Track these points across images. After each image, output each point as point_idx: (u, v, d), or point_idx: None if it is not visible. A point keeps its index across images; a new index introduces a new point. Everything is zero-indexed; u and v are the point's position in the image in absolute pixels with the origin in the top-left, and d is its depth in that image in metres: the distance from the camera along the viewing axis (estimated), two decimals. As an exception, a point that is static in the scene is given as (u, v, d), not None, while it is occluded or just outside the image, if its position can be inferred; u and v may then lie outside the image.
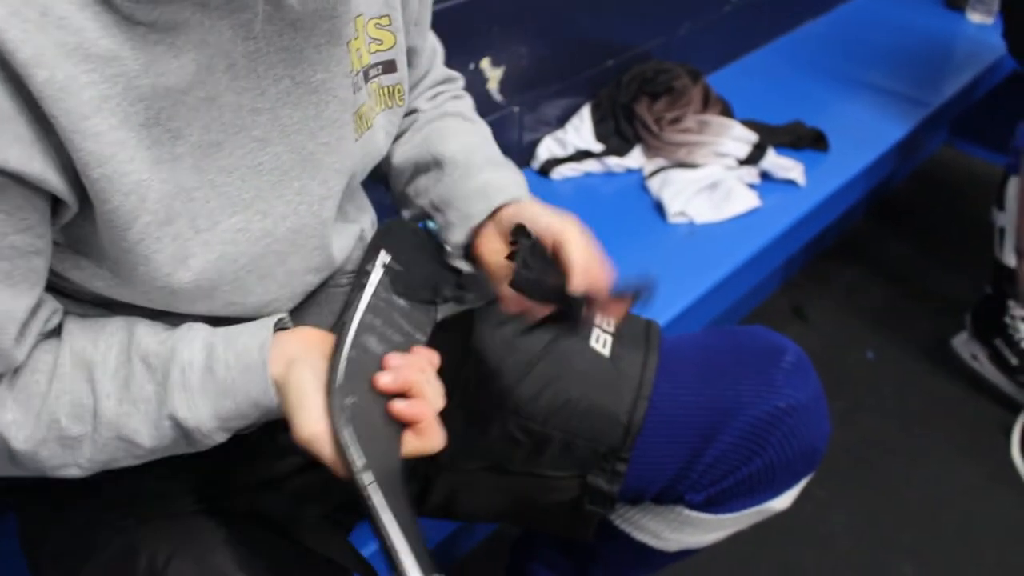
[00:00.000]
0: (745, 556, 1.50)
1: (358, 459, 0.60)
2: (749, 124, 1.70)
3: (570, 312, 0.75)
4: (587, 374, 0.90)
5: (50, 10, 0.51)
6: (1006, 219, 1.74)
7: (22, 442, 0.62)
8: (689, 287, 1.39)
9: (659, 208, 1.56)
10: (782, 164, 1.63)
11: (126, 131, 0.56)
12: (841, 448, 1.59)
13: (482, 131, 0.94)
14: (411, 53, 0.88)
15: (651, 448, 0.89)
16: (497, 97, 1.54)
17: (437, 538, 1.08)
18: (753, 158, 1.63)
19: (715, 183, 1.57)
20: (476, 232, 0.82)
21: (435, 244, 0.85)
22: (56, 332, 0.66)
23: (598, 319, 0.95)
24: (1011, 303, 1.79)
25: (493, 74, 1.50)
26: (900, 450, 1.75)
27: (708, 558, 1.09)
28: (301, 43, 0.65)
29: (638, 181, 1.64)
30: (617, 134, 1.70)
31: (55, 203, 0.59)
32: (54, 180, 0.55)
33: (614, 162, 1.66)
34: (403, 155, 0.90)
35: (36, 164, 0.54)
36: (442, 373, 0.68)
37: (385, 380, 0.64)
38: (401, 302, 0.74)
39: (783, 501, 0.94)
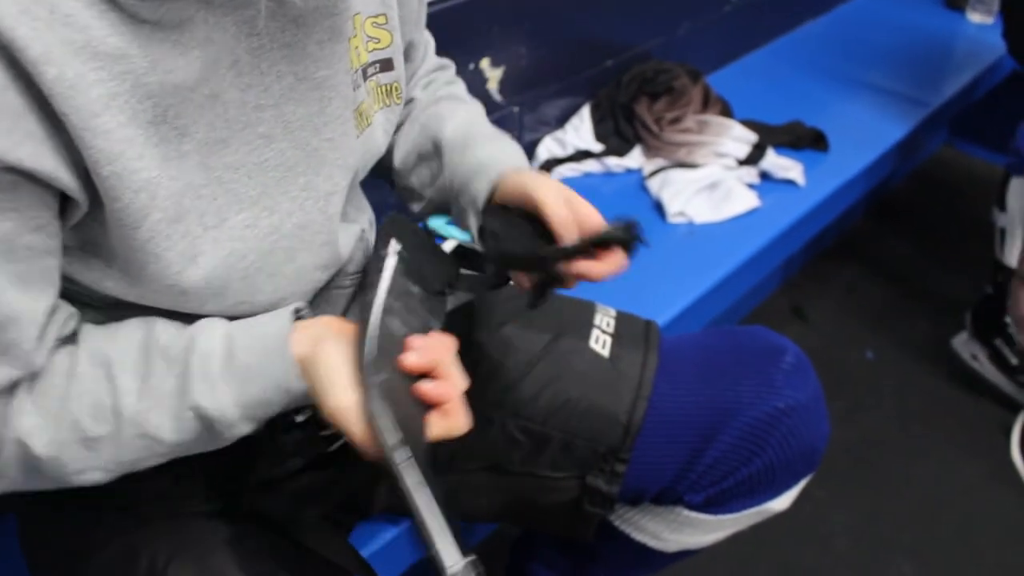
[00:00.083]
0: (745, 556, 1.50)
1: (392, 436, 0.59)
2: (749, 124, 1.70)
3: (551, 273, 0.74)
4: (586, 374, 0.90)
5: (57, 8, 0.51)
6: (1007, 220, 1.74)
7: (44, 447, 0.62)
8: (689, 287, 1.38)
9: (659, 208, 1.56)
10: (782, 164, 1.63)
11: (134, 128, 0.56)
12: (841, 448, 1.59)
13: (475, 110, 0.93)
14: (410, 47, 0.88)
15: (650, 448, 0.89)
16: (497, 97, 1.54)
17: (437, 538, 1.08)
18: (753, 158, 1.63)
19: (715, 183, 1.57)
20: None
21: (432, 243, 0.85)
22: (72, 338, 0.66)
23: (598, 318, 0.95)
24: (1011, 303, 1.79)
25: (493, 74, 1.50)
26: (900, 450, 1.75)
27: (708, 558, 1.10)
28: (303, 39, 0.65)
29: (638, 181, 1.64)
30: (617, 134, 1.70)
31: (63, 203, 0.59)
32: (65, 178, 0.55)
33: (614, 162, 1.66)
34: (404, 146, 0.90)
35: (48, 162, 0.54)
36: None
37: (412, 359, 0.64)
38: (415, 289, 0.73)
39: (783, 501, 0.94)
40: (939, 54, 2.16)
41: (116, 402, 0.62)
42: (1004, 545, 1.57)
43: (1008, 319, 1.80)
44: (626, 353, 0.91)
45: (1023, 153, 1.65)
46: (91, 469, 0.64)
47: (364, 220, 0.84)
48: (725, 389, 0.89)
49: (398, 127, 0.91)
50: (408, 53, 0.88)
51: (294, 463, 0.81)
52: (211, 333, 0.65)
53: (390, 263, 0.72)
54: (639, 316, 0.97)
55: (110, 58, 0.54)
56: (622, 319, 0.96)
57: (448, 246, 1.40)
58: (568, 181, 1.64)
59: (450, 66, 0.99)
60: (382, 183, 1.35)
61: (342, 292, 0.81)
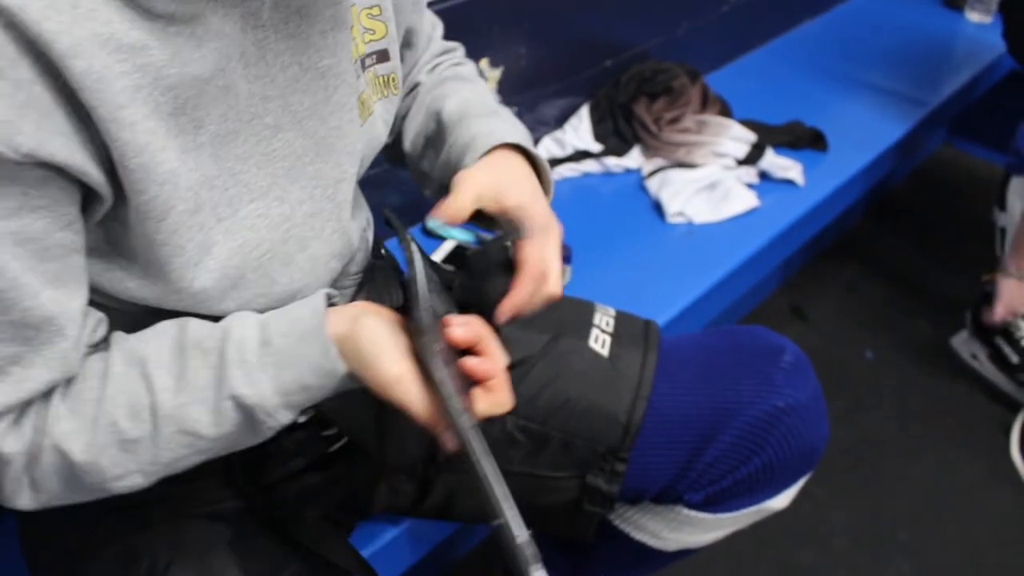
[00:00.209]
0: (744, 555, 1.50)
1: (457, 401, 0.58)
2: (748, 124, 1.70)
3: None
4: (586, 374, 0.90)
5: (80, 3, 0.51)
6: (1007, 219, 1.74)
7: (82, 452, 0.61)
8: (688, 287, 1.39)
9: (658, 208, 1.56)
10: (781, 164, 1.63)
11: (156, 120, 0.56)
12: (840, 447, 1.59)
13: (479, 87, 0.92)
14: (410, 33, 0.88)
15: (650, 448, 0.89)
16: (496, 97, 1.54)
17: (436, 539, 1.08)
18: (752, 158, 1.63)
19: (714, 183, 1.57)
20: None
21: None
22: (103, 344, 0.65)
23: (597, 318, 0.95)
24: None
25: (492, 74, 1.50)
26: (899, 449, 1.75)
27: (707, 557, 1.10)
28: (307, 29, 0.65)
29: (637, 181, 1.64)
30: (616, 134, 1.70)
31: (84, 200, 0.58)
32: (93, 172, 0.55)
33: (613, 162, 1.66)
34: (412, 130, 0.89)
35: (78, 156, 0.54)
36: None
37: (459, 332, 0.63)
38: (435, 276, 0.73)
39: (782, 500, 0.95)
40: (938, 54, 2.16)
41: (153, 400, 0.62)
42: (1004, 544, 1.57)
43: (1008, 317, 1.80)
44: (626, 353, 0.91)
45: (1023, 152, 1.65)
46: (131, 473, 0.63)
47: (362, 218, 0.84)
48: (725, 388, 0.89)
49: (406, 113, 0.90)
50: (408, 39, 0.88)
51: (295, 463, 0.81)
52: (244, 322, 0.64)
53: (415, 247, 0.71)
54: (638, 316, 0.97)
55: (133, 50, 0.54)
56: (621, 319, 0.96)
57: (447, 247, 1.40)
58: (567, 181, 1.65)
59: (457, 48, 0.98)
60: (382, 183, 1.36)
61: (344, 293, 0.82)
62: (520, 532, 0.56)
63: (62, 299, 0.58)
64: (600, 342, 0.92)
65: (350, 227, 0.75)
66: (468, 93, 0.88)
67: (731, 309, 1.92)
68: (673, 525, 0.96)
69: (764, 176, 1.65)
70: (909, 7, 2.36)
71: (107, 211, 0.59)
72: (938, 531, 1.58)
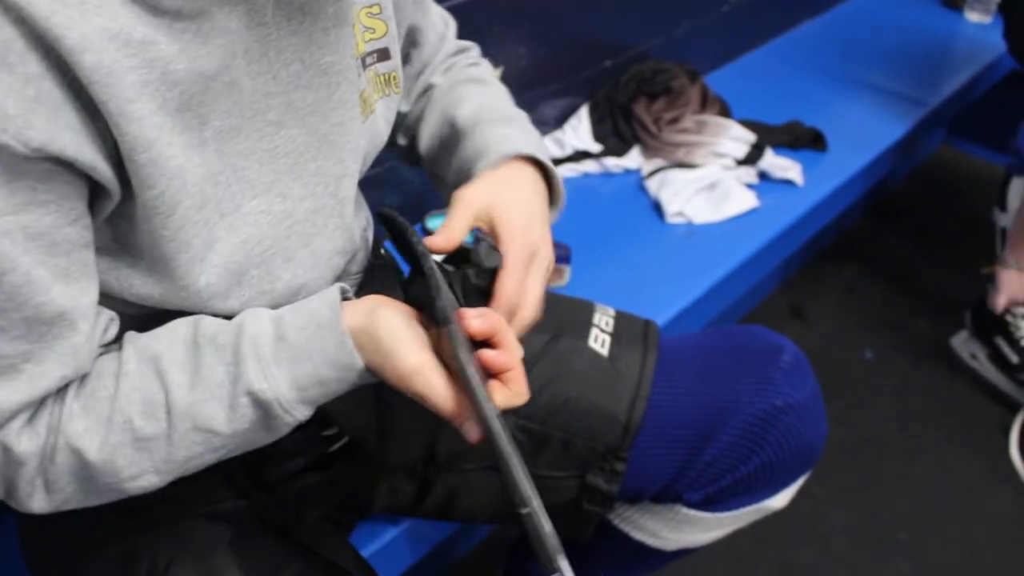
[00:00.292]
0: (743, 555, 1.50)
1: (482, 389, 0.58)
2: (747, 124, 1.70)
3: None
4: (586, 374, 0.90)
5: None
6: (1007, 219, 1.74)
7: (96, 450, 0.61)
8: (688, 287, 1.39)
9: (657, 208, 1.56)
10: (780, 164, 1.64)
11: (163, 116, 0.57)
12: (840, 447, 1.59)
13: (495, 91, 0.91)
14: (414, 31, 0.88)
15: (649, 447, 0.89)
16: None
17: (436, 539, 1.08)
18: (751, 158, 1.64)
19: (713, 183, 1.57)
20: None
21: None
22: (115, 344, 0.65)
23: (597, 318, 0.95)
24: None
25: (492, 74, 1.50)
26: (899, 449, 1.75)
27: (706, 557, 1.10)
28: (309, 27, 0.65)
29: (636, 181, 1.64)
30: (615, 134, 1.70)
31: (91, 197, 0.59)
32: (102, 167, 0.55)
33: (612, 162, 1.66)
34: (427, 134, 0.89)
35: (87, 151, 0.54)
36: None
37: (476, 323, 0.62)
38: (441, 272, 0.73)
39: (781, 500, 0.95)
40: (937, 54, 2.17)
41: (167, 397, 0.61)
42: (1003, 544, 1.57)
43: (1008, 316, 1.80)
44: (625, 352, 0.91)
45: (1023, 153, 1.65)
46: (145, 472, 0.63)
47: (362, 217, 0.84)
48: (724, 388, 0.89)
49: (421, 116, 0.90)
50: (414, 38, 0.88)
51: (295, 463, 0.81)
52: (259, 317, 0.64)
53: (417, 240, 0.71)
54: (638, 316, 0.97)
55: (141, 45, 0.54)
56: (621, 319, 0.96)
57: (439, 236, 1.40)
58: (567, 181, 1.64)
59: (472, 48, 0.98)
60: (382, 183, 1.36)
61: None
62: (549, 525, 0.56)
63: (73, 294, 0.58)
64: (600, 342, 0.92)
65: (352, 224, 0.75)
66: (483, 98, 0.88)
67: (731, 309, 1.92)
68: (672, 524, 0.96)
69: (763, 176, 1.65)
70: (908, 7, 2.36)
71: (114, 208, 0.59)
72: (938, 531, 1.58)
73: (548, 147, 1.68)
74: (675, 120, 1.68)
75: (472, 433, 0.62)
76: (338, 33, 0.68)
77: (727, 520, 0.95)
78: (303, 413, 0.64)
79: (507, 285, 0.70)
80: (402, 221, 0.74)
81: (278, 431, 0.65)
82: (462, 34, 0.97)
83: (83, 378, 0.62)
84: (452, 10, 0.94)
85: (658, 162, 1.65)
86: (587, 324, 0.94)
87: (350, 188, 0.73)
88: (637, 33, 1.79)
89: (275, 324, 0.64)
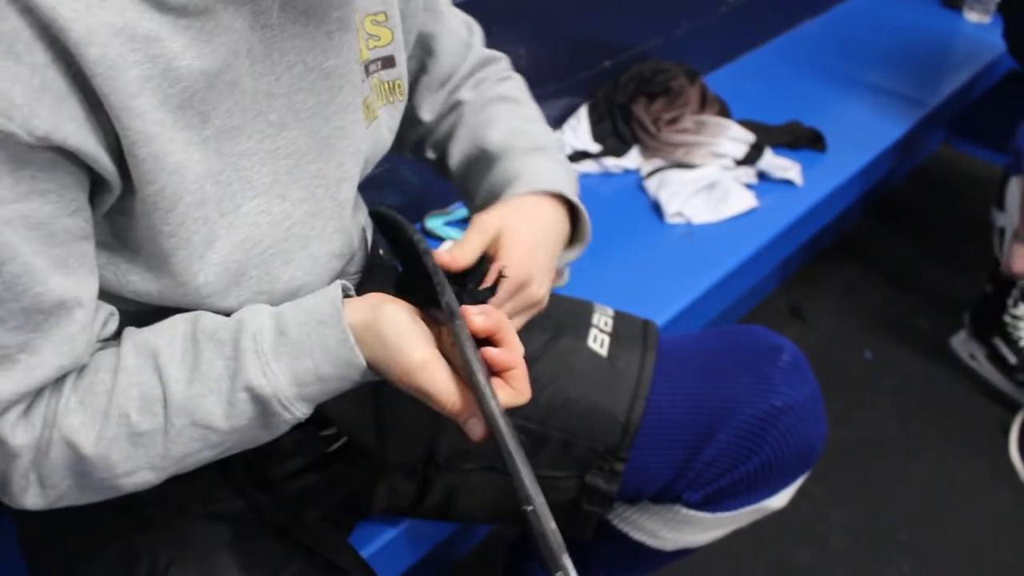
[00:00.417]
0: (743, 555, 1.50)
1: (488, 386, 0.58)
2: (746, 124, 1.70)
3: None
4: (585, 374, 0.90)
5: None
6: (1006, 219, 1.74)
7: (92, 444, 0.60)
8: (687, 287, 1.39)
9: (657, 209, 1.56)
10: (779, 164, 1.64)
11: (165, 112, 0.57)
12: (839, 447, 1.59)
13: (526, 111, 0.91)
14: (427, 39, 0.87)
15: (649, 447, 0.89)
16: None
17: (436, 539, 1.08)
18: (750, 158, 1.64)
19: (712, 183, 1.57)
20: None
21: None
22: (115, 339, 0.65)
23: (596, 318, 0.95)
24: (1010, 302, 1.79)
25: (491, 75, 1.50)
26: (898, 449, 1.75)
27: (706, 557, 1.10)
28: (313, 30, 0.66)
29: (635, 182, 1.64)
30: (614, 135, 1.70)
31: (92, 190, 0.59)
32: (104, 159, 0.56)
33: (611, 163, 1.66)
34: (457, 152, 0.89)
35: (90, 143, 0.54)
36: None
37: (478, 320, 0.62)
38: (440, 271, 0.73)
39: (780, 499, 0.95)
40: (937, 53, 2.17)
41: (165, 392, 0.61)
42: (1003, 544, 1.57)
43: (1007, 317, 1.80)
44: (624, 353, 0.92)
45: (1022, 152, 1.65)
46: (141, 469, 0.62)
47: (361, 217, 0.84)
48: (723, 388, 0.89)
49: (452, 132, 0.90)
50: (428, 46, 0.88)
51: (294, 463, 0.81)
52: (259, 313, 0.64)
53: (419, 238, 0.71)
54: (637, 316, 0.97)
55: (146, 41, 0.54)
56: (620, 319, 0.96)
57: (445, 247, 1.40)
58: (566, 181, 1.65)
59: (499, 59, 0.97)
60: (382, 183, 1.36)
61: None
62: (553, 524, 0.56)
63: (72, 284, 0.58)
64: (599, 342, 0.92)
65: (351, 227, 0.75)
66: (515, 119, 0.88)
67: (730, 309, 1.92)
68: (672, 524, 0.96)
69: (763, 176, 1.65)
70: (908, 7, 2.36)
71: (114, 202, 0.59)
72: (938, 531, 1.59)
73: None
74: (674, 120, 1.68)
75: (476, 430, 0.62)
76: (342, 37, 0.68)
77: (726, 520, 0.95)
78: (302, 410, 0.64)
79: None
80: (400, 219, 0.74)
81: (277, 428, 0.65)
82: (461, 34, 0.97)
83: (81, 372, 0.62)
84: (451, 10, 0.94)
85: (657, 162, 1.65)
86: (586, 324, 0.94)
87: (350, 191, 0.73)
88: (637, 33, 1.79)
89: (276, 320, 0.63)
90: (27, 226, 0.54)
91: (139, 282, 0.64)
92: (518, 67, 1.54)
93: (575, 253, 0.85)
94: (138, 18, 0.54)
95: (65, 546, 0.79)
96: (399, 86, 0.80)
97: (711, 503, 0.92)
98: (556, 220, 0.81)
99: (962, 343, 1.91)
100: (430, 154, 0.94)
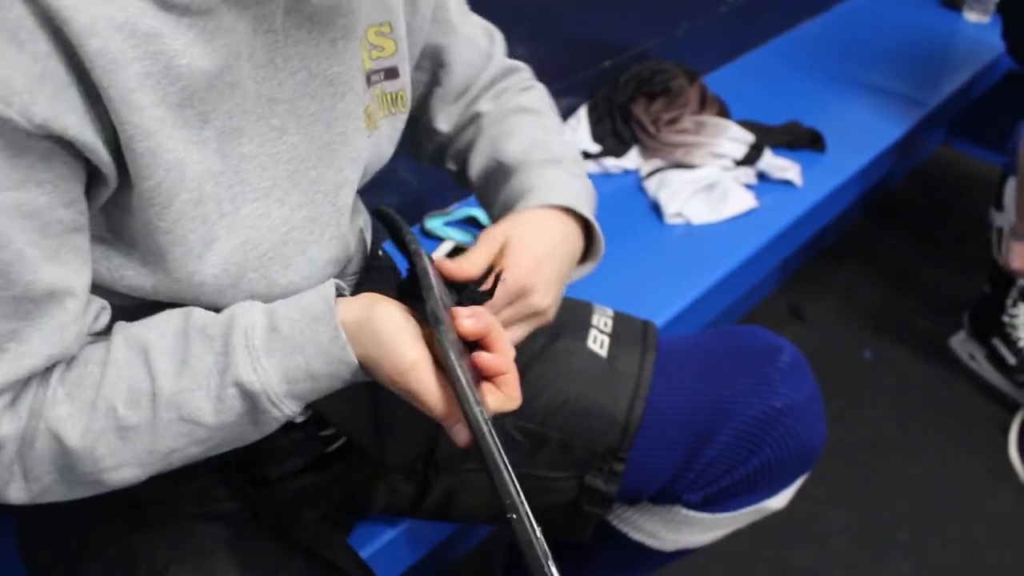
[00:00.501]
0: (742, 555, 1.50)
1: (473, 391, 0.57)
2: (746, 125, 1.70)
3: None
4: (585, 374, 0.90)
5: None
6: (1004, 219, 1.74)
7: (78, 437, 0.59)
8: (686, 288, 1.39)
9: (656, 209, 1.56)
10: (779, 164, 1.64)
11: (164, 109, 0.57)
12: (839, 447, 1.59)
13: (546, 123, 0.90)
14: (438, 51, 0.87)
15: (648, 448, 0.89)
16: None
17: (435, 539, 1.08)
18: (750, 159, 1.64)
19: (712, 184, 1.57)
20: None
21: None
22: (106, 333, 0.64)
23: (595, 319, 0.95)
24: (1009, 303, 1.79)
25: (490, 75, 1.50)
26: (898, 449, 1.75)
27: (705, 558, 1.10)
28: (317, 37, 0.66)
29: (635, 182, 1.64)
30: (614, 135, 1.70)
31: (89, 183, 0.59)
32: (101, 152, 0.56)
33: (611, 163, 1.66)
34: (477, 164, 0.88)
35: (88, 134, 0.54)
36: None
37: (468, 323, 0.61)
38: (436, 272, 0.72)
39: (780, 500, 0.95)
40: (936, 54, 2.17)
41: (153, 386, 0.60)
42: (1003, 544, 1.57)
43: (1006, 318, 1.80)
44: (624, 353, 0.92)
45: (1019, 152, 1.65)
46: (126, 464, 0.61)
47: (360, 220, 0.84)
48: (722, 389, 0.89)
49: (472, 143, 0.90)
50: (439, 58, 0.87)
51: (293, 463, 0.81)
52: (252, 309, 0.63)
53: (411, 239, 0.71)
54: (637, 317, 0.97)
55: (146, 37, 0.54)
56: (620, 319, 0.96)
57: (445, 247, 1.40)
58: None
59: (522, 69, 0.96)
60: (382, 183, 1.36)
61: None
62: (538, 531, 0.55)
63: (64, 275, 0.58)
64: (598, 343, 0.92)
65: (348, 233, 0.75)
66: (534, 131, 0.87)
67: (729, 310, 1.92)
68: (671, 525, 0.96)
69: (762, 177, 1.65)
70: (907, 7, 2.36)
71: (110, 197, 0.59)
72: (938, 531, 1.59)
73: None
74: (674, 121, 1.68)
75: (461, 436, 0.61)
76: (346, 45, 0.69)
77: (726, 521, 0.95)
78: (292, 408, 0.63)
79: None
80: (398, 220, 0.73)
81: (265, 426, 0.64)
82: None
83: (69, 364, 0.62)
84: (451, 11, 0.94)
85: (657, 163, 1.65)
86: (585, 325, 0.94)
87: (348, 197, 0.73)
88: (636, 33, 1.79)
89: (268, 316, 0.63)
90: (22, 215, 0.54)
91: (134, 277, 0.63)
92: (517, 67, 1.54)
93: (586, 270, 0.85)
94: (140, 15, 0.54)
95: (65, 546, 0.79)
96: (402, 98, 0.80)
97: (711, 504, 0.92)
98: (566, 235, 0.80)
99: (961, 343, 1.91)
100: (451, 165, 0.94)
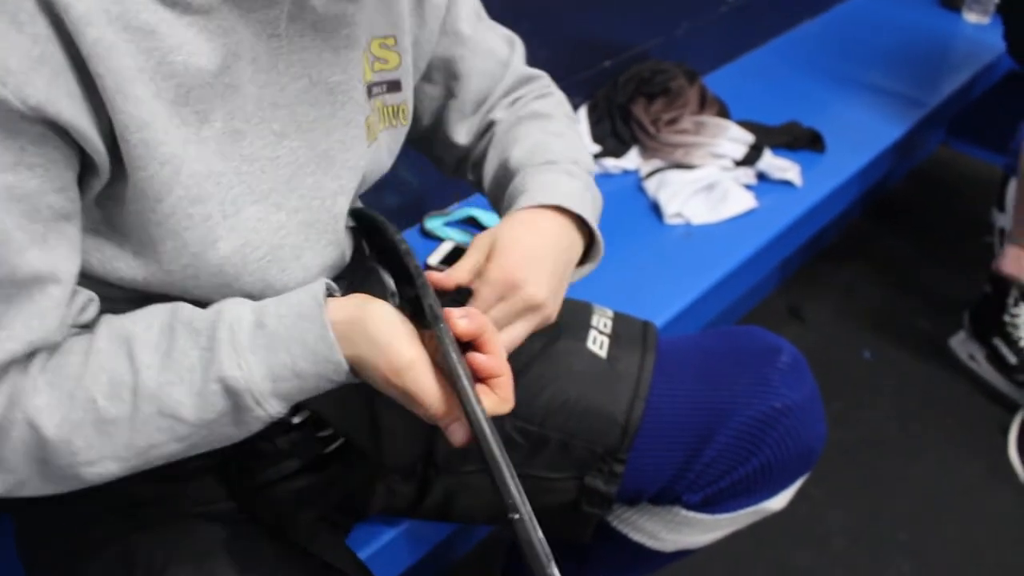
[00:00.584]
0: (742, 556, 1.50)
1: (473, 389, 0.57)
2: (745, 125, 1.70)
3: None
4: (584, 375, 0.90)
5: None
6: (1006, 220, 1.74)
7: (55, 428, 0.58)
8: (686, 288, 1.39)
9: (656, 209, 1.56)
10: (778, 165, 1.64)
11: (160, 104, 0.57)
12: (838, 448, 1.59)
13: (554, 126, 0.88)
14: (450, 62, 0.86)
15: (648, 449, 0.89)
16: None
17: (434, 540, 1.08)
18: (750, 159, 1.64)
19: (712, 184, 1.57)
20: None
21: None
22: (92, 326, 0.64)
23: (595, 319, 0.95)
24: (1010, 302, 1.79)
25: (490, 75, 1.50)
26: (898, 449, 1.75)
27: (705, 558, 1.10)
28: (320, 45, 0.66)
29: (635, 182, 1.64)
30: (614, 135, 1.70)
31: (81, 173, 0.58)
32: (95, 140, 0.56)
33: (611, 163, 1.66)
34: (488, 174, 0.88)
35: (83, 120, 0.54)
36: None
37: (462, 323, 0.61)
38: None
39: (779, 501, 0.95)
40: (936, 54, 2.17)
41: (135, 378, 0.59)
42: (1003, 544, 1.57)
43: (1006, 318, 1.80)
44: (624, 354, 0.91)
45: (1022, 154, 1.65)
46: (104, 458, 0.60)
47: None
48: (722, 389, 0.89)
49: (485, 153, 0.89)
50: (450, 69, 0.86)
51: (291, 464, 0.81)
52: (239, 304, 0.63)
53: (400, 240, 0.70)
54: (636, 317, 0.97)
55: (140, 33, 0.55)
56: (619, 320, 0.96)
57: (445, 247, 1.40)
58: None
59: (541, 77, 0.95)
60: (381, 184, 1.36)
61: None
62: (536, 528, 0.55)
63: (50, 260, 0.57)
64: (598, 343, 0.92)
65: (343, 240, 0.75)
66: (540, 135, 0.86)
67: (729, 310, 1.92)
68: (671, 526, 0.96)
69: (762, 177, 1.65)
70: (907, 7, 2.36)
71: (104, 188, 0.59)
72: (938, 531, 1.58)
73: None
74: (673, 121, 1.68)
75: (458, 435, 0.61)
76: (349, 55, 0.69)
77: (725, 522, 0.94)
78: (276, 408, 0.62)
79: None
80: (382, 220, 0.72)
81: (248, 426, 0.63)
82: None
83: (51, 354, 0.60)
84: (450, 10, 0.94)
85: (656, 163, 1.65)
86: (585, 325, 0.94)
87: (344, 204, 0.73)
88: (636, 33, 1.79)
89: (256, 313, 0.62)
90: (11, 197, 0.54)
91: (125, 269, 0.63)
92: (517, 67, 1.54)
93: (585, 271, 0.84)
94: (138, 8, 0.54)
95: (64, 546, 0.79)
96: (403, 111, 0.79)
97: (710, 504, 0.92)
98: (561, 234, 0.78)
99: (962, 343, 1.91)
100: (470, 176, 0.93)
